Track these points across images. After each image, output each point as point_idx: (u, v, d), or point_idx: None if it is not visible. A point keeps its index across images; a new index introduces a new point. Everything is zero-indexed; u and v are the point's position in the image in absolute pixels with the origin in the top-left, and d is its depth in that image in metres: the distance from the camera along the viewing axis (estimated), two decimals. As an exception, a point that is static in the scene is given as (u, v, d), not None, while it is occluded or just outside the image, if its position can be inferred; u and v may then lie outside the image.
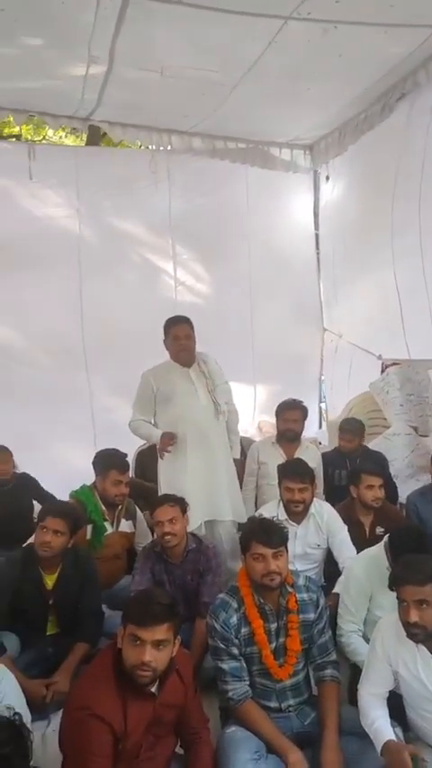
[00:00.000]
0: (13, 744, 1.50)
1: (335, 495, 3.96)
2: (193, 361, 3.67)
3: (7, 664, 2.46)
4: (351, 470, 3.68)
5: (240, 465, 4.27)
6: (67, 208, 5.51)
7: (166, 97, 4.92)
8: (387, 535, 2.77)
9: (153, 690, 1.93)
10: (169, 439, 3.48)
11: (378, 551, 2.72)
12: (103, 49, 4.08)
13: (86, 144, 7.03)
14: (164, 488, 3.55)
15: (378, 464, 4.09)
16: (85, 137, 6.30)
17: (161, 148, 5.58)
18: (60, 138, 8.90)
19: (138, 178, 5.63)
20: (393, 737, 2.04)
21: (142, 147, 5.64)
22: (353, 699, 2.35)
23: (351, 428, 4.37)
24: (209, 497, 3.59)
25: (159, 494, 3.53)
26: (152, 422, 3.72)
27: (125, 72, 4.43)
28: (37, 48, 4.11)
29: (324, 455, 4.53)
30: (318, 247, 6.53)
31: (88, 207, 5.54)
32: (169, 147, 5.61)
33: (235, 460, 3.90)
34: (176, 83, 4.57)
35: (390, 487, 4.21)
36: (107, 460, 3.48)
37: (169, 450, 3.48)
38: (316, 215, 6.49)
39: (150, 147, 5.60)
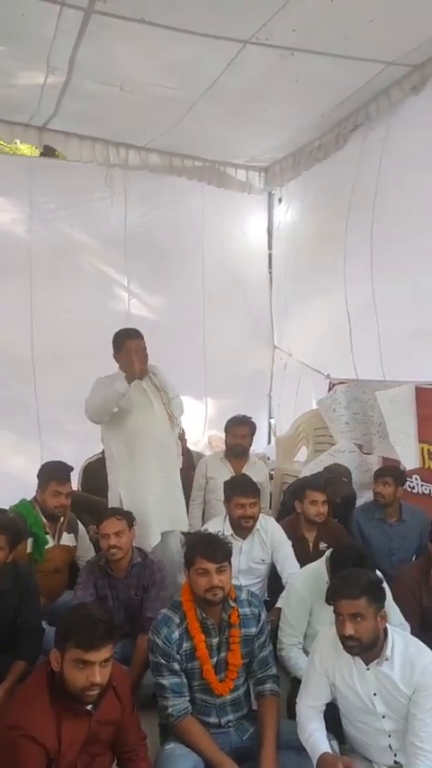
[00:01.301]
0: None
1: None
2: (145, 374, 3.66)
3: None
4: (296, 486, 3.73)
5: (189, 478, 4.27)
6: (19, 217, 5.42)
7: (125, 111, 4.94)
8: (328, 550, 2.82)
9: (89, 708, 1.89)
10: (133, 375, 3.42)
11: (319, 566, 2.77)
12: (63, 61, 4.08)
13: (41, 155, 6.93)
14: (125, 501, 3.48)
15: (340, 475, 4.15)
16: (38, 152, 6.25)
17: (117, 163, 5.58)
18: (15, 144, 8.74)
19: (93, 190, 5.60)
20: (329, 750, 2.08)
21: (98, 163, 5.60)
22: (291, 713, 2.37)
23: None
24: (167, 509, 3.59)
25: (116, 506, 3.47)
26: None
27: (84, 84, 4.43)
28: (-6, 54, 4.08)
29: (294, 482, 4.43)
30: (270, 267, 6.66)
31: (41, 217, 5.46)
32: (126, 163, 5.62)
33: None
34: (135, 98, 4.61)
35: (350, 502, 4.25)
36: (47, 472, 3.43)
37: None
38: (270, 235, 6.63)
39: (107, 161, 5.56)
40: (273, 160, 6.10)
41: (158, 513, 3.51)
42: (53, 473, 3.41)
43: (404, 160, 4.38)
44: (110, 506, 3.52)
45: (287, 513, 4.17)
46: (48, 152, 5.82)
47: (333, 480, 3.94)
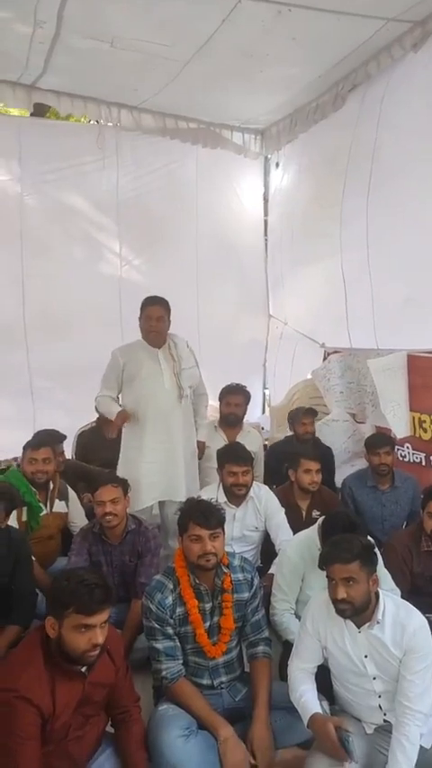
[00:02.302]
0: None
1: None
2: (162, 343, 3.63)
3: None
4: (290, 454, 3.73)
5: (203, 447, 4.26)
6: (9, 180, 5.28)
7: (116, 69, 4.79)
8: (321, 518, 2.83)
9: (83, 670, 1.91)
10: (122, 420, 3.48)
11: (311, 533, 2.79)
12: (51, 14, 3.93)
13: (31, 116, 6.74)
14: (121, 466, 3.54)
15: (325, 455, 4.17)
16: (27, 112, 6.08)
17: (109, 124, 5.42)
18: (3, 106, 8.50)
19: (84, 153, 5.46)
20: (319, 710, 2.11)
21: (91, 122, 5.44)
22: (283, 675, 2.41)
23: (311, 413, 4.45)
24: (164, 478, 3.59)
25: (121, 468, 3.55)
26: (118, 398, 3.69)
27: (73, 40, 4.28)
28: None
29: (275, 445, 4.58)
30: (266, 234, 6.55)
31: (31, 179, 5.33)
32: (118, 123, 5.47)
33: (199, 442, 3.91)
34: (127, 55, 4.46)
35: (329, 481, 4.31)
36: (27, 441, 3.44)
37: (121, 426, 3.54)
38: (266, 201, 6.52)
39: (99, 121, 5.40)
40: (269, 122, 5.95)
41: (152, 480, 3.52)
42: (29, 441, 3.43)
43: (402, 120, 4.28)
44: (118, 469, 3.58)
45: (272, 475, 4.27)
46: (38, 111, 5.65)
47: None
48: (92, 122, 5.47)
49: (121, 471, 3.50)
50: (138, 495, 3.45)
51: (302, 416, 4.37)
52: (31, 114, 5.65)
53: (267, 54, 4.44)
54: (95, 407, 3.79)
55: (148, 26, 4.14)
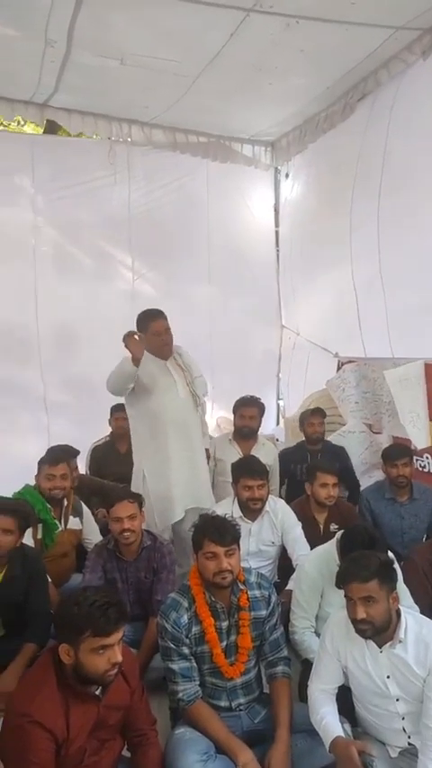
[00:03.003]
0: None
1: (297, 491, 3.97)
2: (170, 355, 3.63)
3: None
4: (307, 467, 3.68)
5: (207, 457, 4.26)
6: (23, 197, 5.35)
7: (127, 86, 4.83)
8: (339, 532, 2.78)
9: (97, 692, 1.87)
10: (136, 344, 3.36)
11: (330, 548, 2.73)
12: (61, 33, 3.98)
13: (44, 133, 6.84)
14: (149, 480, 3.51)
15: (337, 459, 4.19)
16: (41, 130, 6.18)
17: (120, 140, 5.47)
18: (19, 123, 8.62)
19: (96, 168, 5.51)
20: (342, 733, 2.05)
21: (101, 138, 5.49)
22: (303, 696, 2.35)
23: (319, 412, 4.47)
24: (191, 486, 3.59)
25: (138, 484, 3.51)
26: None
27: (84, 58, 4.33)
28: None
29: (285, 451, 4.56)
30: (278, 245, 6.54)
31: (44, 196, 5.39)
32: (129, 139, 5.51)
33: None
34: (137, 72, 4.50)
35: (351, 480, 4.28)
36: (42, 457, 3.44)
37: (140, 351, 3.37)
38: (276, 212, 6.51)
39: (110, 137, 5.45)
40: (279, 134, 5.96)
41: (181, 490, 3.53)
42: (46, 456, 3.42)
43: (412, 128, 4.25)
44: (133, 483, 3.56)
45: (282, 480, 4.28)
46: (51, 128, 5.72)
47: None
48: (103, 138, 5.51)
49: (151, 485, 3.49)
50: (171, 507, 3.46)
51: (310, 416, 4.39)
52: (44, 132, 5.72)
53: (276, 66, 4.45)
54: (111, 381, 3.53)
55: (157, 43, 4.18)
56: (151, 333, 3.55)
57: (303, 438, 4.52)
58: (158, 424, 3.53)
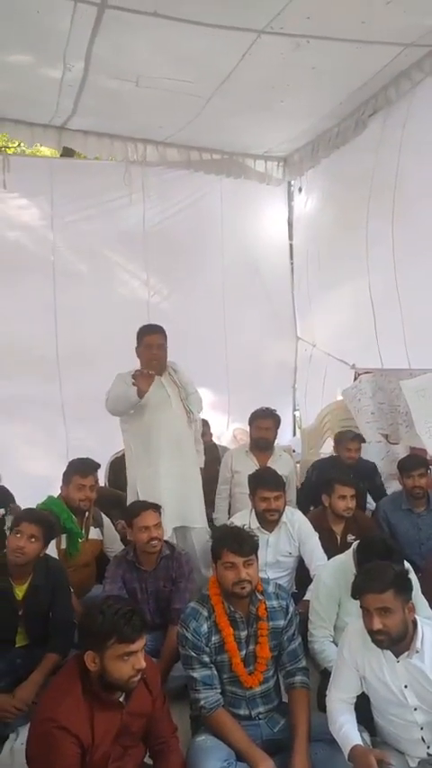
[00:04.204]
0: None
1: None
2: (164, 370, 3.68)
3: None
4: (325, 479, 3.69)
5: (215, 473, 4.29)
6: (42, 218, 5.49)
7: (142, 107, 4.95)
8: (356, 542, 2.80)
9: (120, 699, 1.92)
10: (145, 378, 3.44)
11: (346, 558, 2.76)
12: (79, 58, 4.10)
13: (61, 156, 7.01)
14: (141, 495, 3.53)
15: (369, 476, 4.24)
16: (58, 154, 6.35)
17: (135, 159, 5.59)
18: (37, 147, 8.84)
19: (112, 189, 5.64)
20: (360, 742, 2.07)
21: (117, 161, 5.64)
22: (321, 705, 2.37)
23: (358, 438, 4.37)
24: (181, 504, 3.60)
25: (131, 500, 3.52)
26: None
27: (100, 80, 4.45)
28: (11, 54, 4.11)
29: (320, 462, 4.54)
30: (292, 257, 6.60)
31: (62, 217, 5.53)
32: (144, 159, 5.63)
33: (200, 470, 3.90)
34: (152, 93, 4.61)
35: (378, 493, 4.27)
36: (70, 467, 3.50)
37: (152, 373, 3.46)
38: (290, 225, 6.58)
39: (125, 158, 5.58)
40: (291, 149, 6.04)
41: (171, 507, 3.50)
42: (76, 467, 3.47)
43: (425, 143, 4.29)
44: (128, 500, 3.58)
45: (309, 489, 4.25)
46: (67, 154, 5.88)
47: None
48: (118, 161, 5.65)
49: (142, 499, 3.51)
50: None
51: (349, 442, 4.29)
52: (61, 155, 5.88)
53: (288, 84, 4.53)
54: (110, 403, 3.61)
55: (171, 64, 4.28)
56: (143, 345, 3.63)
57: (342, 453, 4.42)
58: (151, 440, 3.56)
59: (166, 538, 3.42)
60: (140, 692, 1.98)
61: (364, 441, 4.39)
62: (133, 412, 3.59)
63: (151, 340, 3.62)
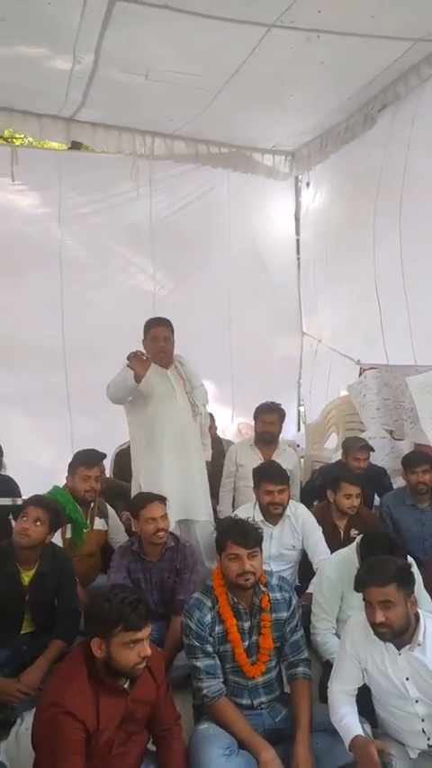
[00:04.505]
0: None
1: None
2: (170, 363, 3.69)
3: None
4: (332, 476, 3.68)
5: (219, 466, 4.30)
6: (49, 211, 5.51)
7: (151, 100, 4.96)
8: (359, 536, 2.82)
9: (125, 686, 1.95)
10: (141, 362, 3.41)
11: (350, 552, 2.77)
12: (89, 50, 4.11)
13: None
14: (144, 487, 3.54)
15: (379, 483, 4.20)
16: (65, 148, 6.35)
17: (143, 152, 5.59)
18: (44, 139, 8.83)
19: (120, 182, 5.65)
20: (361, 733, 2.09)
21: (124, 154, 5.64)
22: (323, 696, 2.39)
23: (366, 449, 4.22)
24: (184, 497, 3.60)
25: (134, 492, 3.54)
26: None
27: (110, 73, 4.46)
28: (22, 45, 4.12)
29: (328, 468, 4.49)
30: (298, 252, 6.60)
31: (70, 210, 5.55)
32: (152, 152, 5.62)
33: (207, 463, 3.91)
34: (161, 86, 4.61)
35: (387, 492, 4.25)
36: (76, 458, 3.52)
37: (145, 368, 3.41)
38: (297, 220, 6.58)
39: (133, 151, 5.57)
40: (300, 144, 6.03)
41: (174, 500, 3.47)
42: (81, 458, 3.50)
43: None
44: (132, 491, 3.60)
45: (311, 491, 4.24)
46: (75, 148, 5.88)
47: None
48: (126, 154, 5.65)
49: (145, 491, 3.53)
50: None
51: (358, 451, 4.14)
52: (69, 149, 5.89)
53: (297, 78, 4.53)
54: (111, 391, 3.60)
55: (180, 57, 4.29)
56: (150, 338, 3.62)
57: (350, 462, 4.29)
58: (155, 433, 3.56)
59: (169, 529, 3.48)
60: (145, 679, 2.01)
61: (372, 450, 4.28)
62: (134, 401, 3.57)
63: (158, 332, 3.63)
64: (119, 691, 1.94)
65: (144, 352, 3.50)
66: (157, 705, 2.09)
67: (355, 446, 4.21)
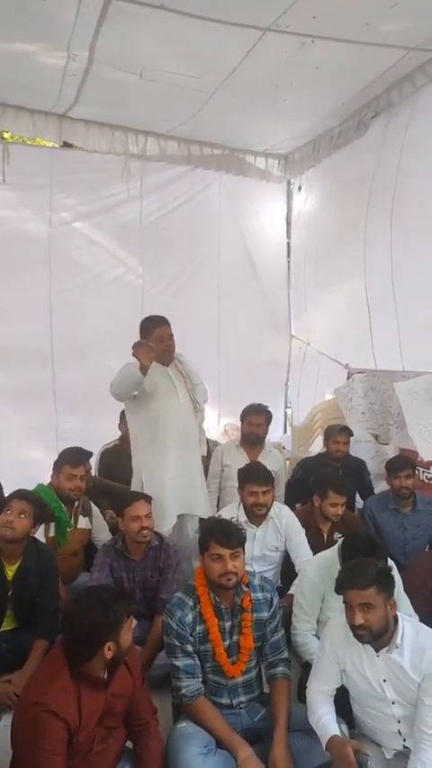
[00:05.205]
0: None
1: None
2: (171, 361, 3.72)
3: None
4: (319, 481, 3.70)
5: (205, 466, 4.32)
6: (39, 211, 5.48)
7: (145, 100, 4.95)
8: (341, 539, 2.84)
9: (104, 677, 1.98)
10: (146, 351, 3.37)
11: (332, 554, 2.80)
12: (83, 48, 4.10)
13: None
14: (146, 483, 3.57)
15: (358, 473, 4.31)
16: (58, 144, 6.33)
17: (135, 152, 5.58)
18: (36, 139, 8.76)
19: (111, 183, 5.64)
20: (338, 733, 2.12)
21: (116, 154, 5.63)
22: (302, 696, 2.42)
23: (345, 431, 4.40)
24: (185, 492, 3.64)
25: (138, 488, 3.56)
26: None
27: (104, 71, 4.44)
28: (16, 41, 4.10)
29: (307, 460, 4.59)
30: (289, 256, 6.63)
31: (60, 209, 5.53)
32: (144, 152, 5.62)
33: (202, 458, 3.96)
34: (155, 86, 4.60)
35: (367, 491, 4.33)
36: (61, 456, 3.53)
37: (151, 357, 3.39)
38: (288, 224, 6.60)
39: (126, 151, 5.56)
40: (293, 148, 6.05)
41: (175, 495, 3.57)
42: (67, 456, 3.51)
43: (427, 147, 4.32)
44: (133, 487, 3.62)
45: (294, 486, 4.31)
46: (67, 143, 5.85)
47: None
48: (118, 153, 5.63)
49: (147, 491, 3.51)
50: (163, 513, 3.49)
51: (337, 434, 4.33)
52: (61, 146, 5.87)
53: (291, 83, 4.54)
54: (115, 386, 3.56)
55: (175, 58, 4.29)
56: (154, 338, 3.60)
57: (323, 449, 4.50)
58: (158, 430, 3.59)
59: (170, 526, 3.51)
60: (122, 673, 2.04)
61: (351, 434, 4.42)
62: (137, 399, 3.58)
63: (162, 331, 3.65)
64: (99, 684, 1.96)
65: (146, 341, 3.46)
66: (134, 699, 2.11)
67: (335, 429, 4.34)
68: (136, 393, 3.55)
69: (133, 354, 3.37)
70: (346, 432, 4.37)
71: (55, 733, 1.82)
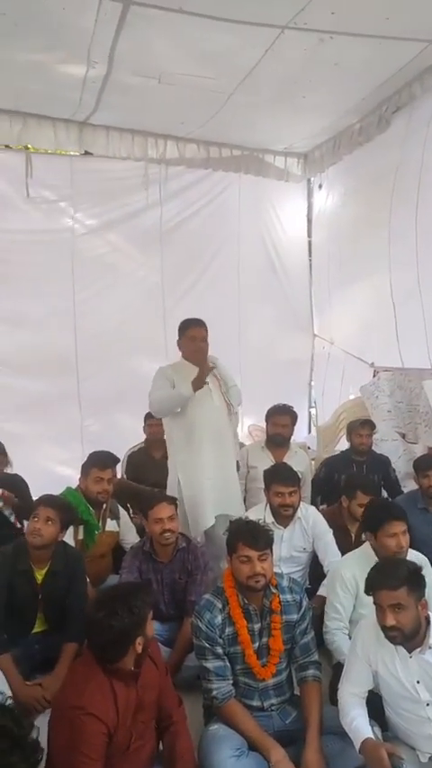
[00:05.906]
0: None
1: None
2: (203, 362, 3.73)
3: (7, 664, 2.50)
4: (347, 480, 3.67)
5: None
6: (62, 217, 5.56)
7: (163, 104, 4.97)
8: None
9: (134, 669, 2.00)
10: (203, 372, 3.58)
11: (367, 550, 2.76)
12: (103, 55, 4.14)
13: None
14: (183, 484, 3.61)
15: (382, 470, 4.29)
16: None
17: (155, 157, 5.61)
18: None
19: (131, 188, 5.69)
20: (371, 736, 2.08)
21: (137, 160, 5.67)
22: (333, 699, 2.39)
23: (368, 424, 4.41)
24: (222, 493, 3.66)
25: (174, 489, 3.60)
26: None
27: (123, 77, 4.48)
28: (36, 51, 4.16)
29: (330, 459, 4.57)
30: (310, 255, 6.59)
31: (82, 216, 5.60)
32: (164, 156, 5.64)
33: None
34: (174, 90, 4.63)
35: (395, 491, 4.30)
36: (89, 459, 3.57)
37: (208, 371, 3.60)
38: (309, 222, 6.56)
39: (145, 156, 5.59)
40: (312, 146, 6.02)
41: (214, 496, 3.60)
42: (95, 460, 3.54)
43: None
44: (168, 488, 3.66)
45: (318, 485, 4.31)
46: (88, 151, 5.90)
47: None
48: (138, 159, 5.67)
49: (185, 492, 3.58)
50: (203, 513, 3.53)
51: (359, 427, 4.34)
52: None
53: (310, 80, 4.52)
54: (156, 404, 3.67)
55: (193, 60, 4.30)
56: (187, 337, 3.69)
57: (348, 446, 4.49)
58: (194, 432, 3.63)
59: (209, 527, 3.54)
60: (148, 666, 2.06)
61: (374, 427, 4.41)
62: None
63: (195, 333, 3.69)
64: (130, 678, 1.97)
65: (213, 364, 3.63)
66: (161, 689, 2.12)
67: (357, 423, 4.35)
68: (179, 409, 3.62)
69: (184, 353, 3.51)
70: (369, 425, 4.37)
71: (94, 737, 1.83)
